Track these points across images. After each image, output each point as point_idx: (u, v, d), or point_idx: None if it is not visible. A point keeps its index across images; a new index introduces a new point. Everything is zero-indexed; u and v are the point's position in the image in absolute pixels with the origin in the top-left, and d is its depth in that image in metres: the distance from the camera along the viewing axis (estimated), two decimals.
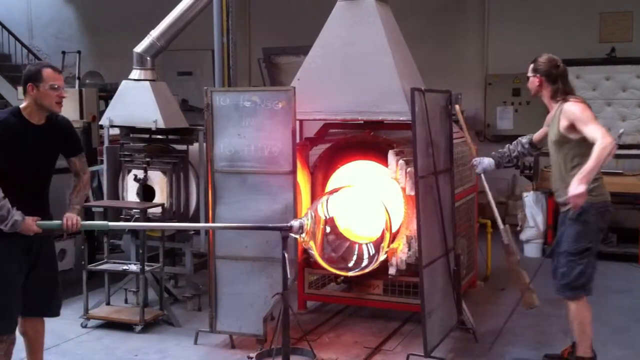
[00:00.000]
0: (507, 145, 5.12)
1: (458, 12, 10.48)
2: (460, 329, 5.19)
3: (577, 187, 4.06)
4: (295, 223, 3.71)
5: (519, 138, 5.05)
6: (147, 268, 5.53)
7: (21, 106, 3.93)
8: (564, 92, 4.41)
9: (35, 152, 3.92)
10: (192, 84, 11.36)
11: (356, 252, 3.82)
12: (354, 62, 5.22)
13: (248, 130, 4.89)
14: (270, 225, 4.42)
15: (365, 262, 3.85)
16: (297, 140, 5.51)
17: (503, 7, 10.14)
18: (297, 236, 3.72)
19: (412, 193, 4.83)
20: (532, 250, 7.96)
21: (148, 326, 5.44)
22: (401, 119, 4.99)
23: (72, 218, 3.93)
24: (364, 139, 5.60)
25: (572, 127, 4.25)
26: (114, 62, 9.50)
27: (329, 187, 5.55)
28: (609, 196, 4.44)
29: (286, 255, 3.60)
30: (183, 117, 6.40)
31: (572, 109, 4.27)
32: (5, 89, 11.88)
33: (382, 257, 3.79)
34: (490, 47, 10.23)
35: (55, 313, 4.19)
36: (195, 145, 6.02)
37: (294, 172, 4.80)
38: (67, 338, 5.24)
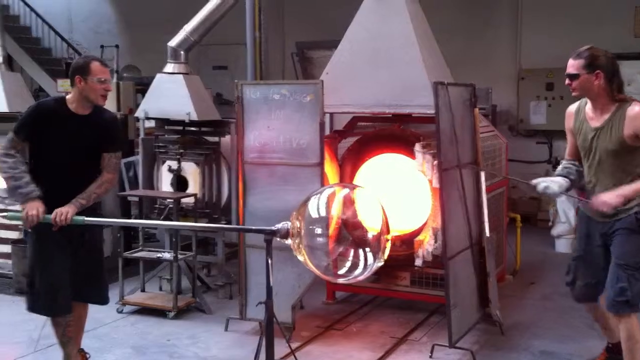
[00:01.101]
0: (562, 171, 4.28)
1: (491, 6, 10.42)
2: (486, 322, 5.23)
3: (613, 198, 3.79)
4: (280, 226, 3.35)
5: (564, 164, 4.32)
6: (180, 256, 5.69)
7: (67, 96, 4.03)
8: (619, 91, 3.89)
9: (75, 141, 3.98)
10: (226, 78, 11.52)
11: (350, 259, 3.28)
12: (382, 56, 5.28)
13: (277, 123, 4.99)
14: (254, 227, 4.20)
15: (358, 271, 3.33)
16: (327, 133, 5.63)
17: (536, 2, 10.06)
18: (284, 240, 3.37)
19: (438, 186, 4.89)
20: (563, 246, 7.92)
21: (181, 313, 5.61)
22: (428, 112, 5.02)
23: (61, 213, 3.80)
24: (392, 131, 5.67)
25: (638, 137, 3.82)
26: (150, 56, 9.68)
27: (356, 179, 5.65)
28: None
29: (270, 261, 3.35)
30: (215, 109, 6.55)
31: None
32: (45, 81, 12.21)
33: (378, 264, 3.34)
34: (524, 41, 10.16)
35: (99, 300, 4.27)
36: (227, 137, 6.16)
37: (321, 164, 4.90)
38: (103, 323, 5.43)
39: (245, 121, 5.11)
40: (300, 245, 3.33)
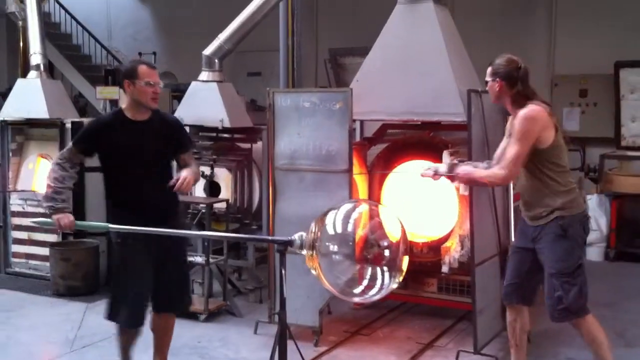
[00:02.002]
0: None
1: (525, 12, 10.38)
2: None
3: (466, 170, 4.06)
4: (297, 237, 3.21)
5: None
6: (212, 260, 5.82)
7: (123, 106, 4.11)
8: (525, 96, 3.98)
9: (140, 147, 4.00)
10: (260, 84, 11.66)
11: (366, 278, 3.14)
12: (412, 64, 5.35)
13: (307, 130, 5.09)
14: (269, 238, 4.22)
15: (374, 291, 3.16)
16: (356, 140, 5.71)
17: (571, 8, 9.99)
18: (300, 252, 3.24)
19: (466, 193, 4.93)
20: (594, 254, 7.87)
21: (212, 315, 5.74)
22: (457, 119, 5.09)
23: (185, 177, 3.94)
24: (421, 139, 5.73)
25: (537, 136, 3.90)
26: (187, 63, 9.87)
27: (386, 186, 5.72)
28: (585, 205, 4.19)
29: (284, 272, 3.24)
30: (248, 116, 6.68)
31: (518, 119, 3.89)
32: (85, 88, 12.51)
33: (394, 284, 3.17)
34: (558, 48, 10.09)
35: (182, 309, 4.36)
36: (259, 143, 6.28)
37: (350, 170, 4.98)
38: None
39: (276, 128, 5.22)
40: (315, 260, 3.19)
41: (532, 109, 3.89)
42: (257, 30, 6.63)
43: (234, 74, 11.03)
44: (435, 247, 5.48)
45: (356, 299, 3.47)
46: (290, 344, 5.16)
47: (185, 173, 4.00)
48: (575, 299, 3.93)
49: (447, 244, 5.34)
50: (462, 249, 5.16)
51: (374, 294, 3.18)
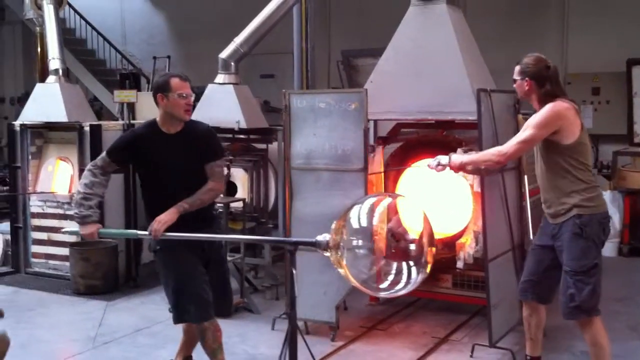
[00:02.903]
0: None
1: (537, 12, 10.44)
2: None
3: (459, 158, 4.20)
4: (322, 239, 3.16)
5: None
6: (229, 258, 5.92)
7: (157, 118, 4.08)
8: (553, 95, 4.01)
9: (175, 161, 4.00)
10: (273, 86, 11.78)
11: (393, 272, 3.07)
12: (425, 65, 5.43)
13: (322, 130, 5.18)
14: (292, 240, 3.74)
15: (401, 285, 3.10)
16: (370, 140, 5.79)
17: (583, 6, 10.04)
18: (324, 253, 3.19)
19: (479, 190, 5.01)
20: (608, 250, 7.88)
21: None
22: (470, 118, 5.16)
23: (159, 221, 3.84)
24: (434, 137, 5.82)
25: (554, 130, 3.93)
26: (201, 66, 10.00)
27: (400, 185, 5.81)
28: (607, 205, 4.15)
29: (294, 271, 3.22)
30: (263, 117, 6.80)
31: (541, 111, 3.94)
32: (100, 91, 12.69)
33: (422, 277, 3.12)
34: (570, 46, 10.14)
35: (225, 313, 4.36)
36: (275, 144, 6.39)
37: (365, 169, 5.07)
38: (156, 321, 5.70)
39: (292, 128, 5.31)
40: (340, 259, 3.15)
41: (560, 103, 3.94)
42: (270, 32, 6.74)
43: (247, 76, 11.09)
44: (450, 244, 5.56)
45: (383, 294, 3.44)
46: (306, 339, 5.29)
47: (161, 217, 3.84)
48: (588, 298, 3.96)
49: (462, 240, 5.41)
50: (476, 244, 5.23)
51: (400, 288, 3.15)
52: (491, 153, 4.14)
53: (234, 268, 6.19)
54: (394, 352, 5.03)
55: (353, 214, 3.14)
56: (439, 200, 5.65)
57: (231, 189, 6.53)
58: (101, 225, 4.04)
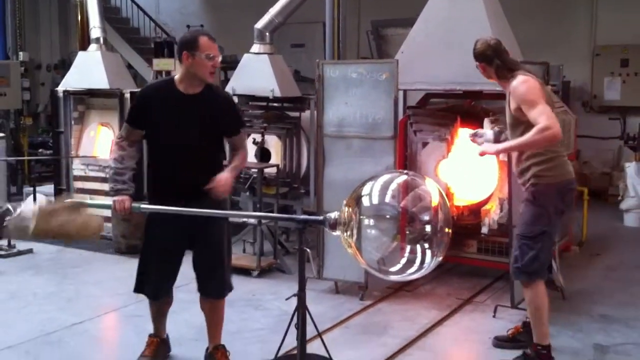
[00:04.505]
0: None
1: None
2: (549, 288, 5.50)
3: (491, 147, 4.22)
4: (332, 215, 2.96)
5: None
6: (263, 222, 6.21)
7: (176, 76, 3.88)
8: (507, 68, 4.13)
9: (187, 123, 3.81)
10: (304, 56, 11.93)
11: (406, 256, 2.86)
12: (455, 36, 5.59)
13: (354, 99, 5.39)
14: (301, 217, 3.58)
15: (413, 268, 2.90)
16: (400, 109, 5.99)
17: None
18: (332, 232, 3.00)
19: (505, 158, 5.20)
20: (631, 220, 8.07)
21: (263, 272, 6.17)
22: (498, 89, 5.31)
23: (220, 179, 3.76)
24: (463, 107, 6.00)
25: (521, 109, 4.00)
26: (233, 35, 10.21)
27: (426, 154, 6.02)
28: (572, 174, 4.19)
29: (308, 251, 3.08)
30: (297, 86, 7.03)
31: (520, 89, 3.99)
32: (134, 59, 12.94)
33: (436, 262, 2.93)
34: (600, 19, 10.15)
35: (215, 294, 4.08)
36: (307, 112, 6.63)
37: (395, 137, 5.29)
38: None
39: (325, 97, 5.53)
40: (349, 238, 2.97)
41: (523, 77, 4.04)
42: None
43: (277, 46, 11.30)
44: (476, 210, 5.79)
45: (394, 278, 3.15)
46: (336, 298, 5.58)
47: (224, 175, 3.80)
48: (529, 263, 4.11)
49: (487, 206, 5.63)
50: (501, 211, 5.45)
51: (413, 272, 2.98)
52: (539, 134, 3.85)
53: (267, 231, 6.49)
54: (420, 311, 5.29)
55: (365, 192, 2.97)
56: (466, 168, 5.86)
57: (265, 155, 6.80)
58: (132, 200, 3.86)
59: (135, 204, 3.79)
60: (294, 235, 7.12)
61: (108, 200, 4.00)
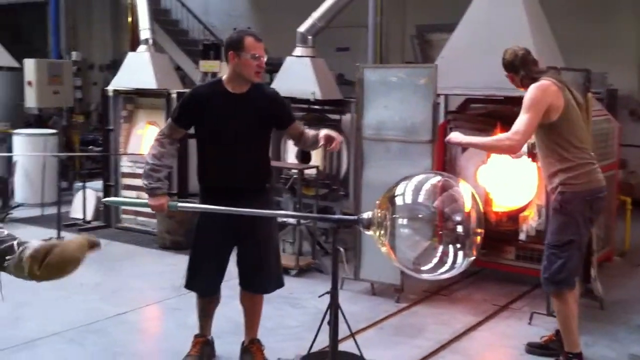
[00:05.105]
0: None
1: None
2: (588, 297, 5.49)
3: (457, 136, 4.29)
4: (365, 216, 3.05)
5: None
6: (302, 222, 6.32)
7: (223, 77, 3.94)
8: (529, 78, 4.19)
9: (235, 121, 3.85)
10: (349, 59, 12.00)
11: (438, 255, 2.93)
12: (495, 41, 5.56)
13: (393, 103, 5.46)
14: (335, 217, 4.00)
15: (445, 268, 2.97)
16: (440, 114, 6.04)
17: None
18: (366, 231, 3.09)
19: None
20: None
21: (301, 271, 6.28)
22: None
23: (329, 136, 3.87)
24: (503, 113, 5.99)
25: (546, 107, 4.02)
26: (279, 38, 10.33)
27: (465, 159, 6.04)
28: (602, 182, 4.16)
29: (341, 250, 3.17)
30: (338, 89, 7.14)
31: (526, 94, 4.08)
32: (183, 61, 13.21)
33: (467, 262, 2.98)
34: None
35: (259, 290, 4.18)
36: (348, 115, 6.72)
37: (432, 141, 5.33)
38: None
39: (365, 101, 5.61)
40: (383, 237, 3.03)
41: (539, 83, 4.10)
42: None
43: (323, 49, 11.39)
44: (514, 216, 5.78)
45: (425, 276, 3.21)
46: (372, 299, 5.64)
47: (332, 132, 3.90)
48: (557, 272, 4.11)
49: (525, 213, 5.63)
50: (539, 218, 5.44)
51: (444, 271, 3.04)
52: (499, 141, 4.09)
53: (306, 231, 6.59)
54: (455, 315, 5.31)
55: (398, 192, 3.03)
56: (505, 174, 5.87)
57: (306, 156, 6.91)
58: (169, 198, 3.95)
59: (172, 203, 3.86)
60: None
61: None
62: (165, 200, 3.87)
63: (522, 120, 3.97)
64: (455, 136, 4.37)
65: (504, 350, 4.79)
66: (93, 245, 2.17)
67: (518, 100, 5.86)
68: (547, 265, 4.17)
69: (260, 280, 4.16)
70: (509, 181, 5.87)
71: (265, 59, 3.88)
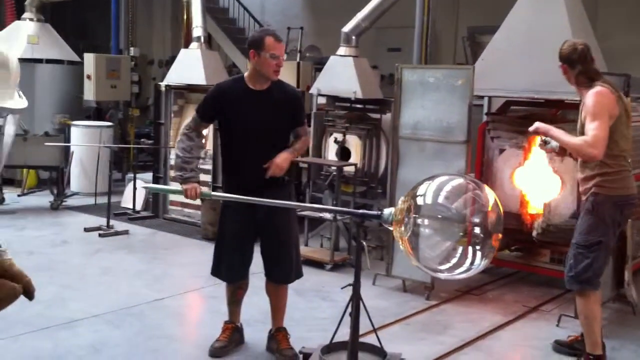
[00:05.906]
0: None
1: None
2: (620, 302, 5.45)
3: (543, 126, 4.24)
4: (387, 212, 3.13)
5: None
6: (339, 218, 6.45)
7: (245, 73, 4.14)
8: (587, 77, 4.18)
9: (255, 117, 4.03)
10: (400, 60, 11.98)
11: (458, 256, 2.97)
12: (536, 44, 5.62)
13: (430, 103, 5.53)
14: (359, 212, 3.79)
15: (462, 269, 3.02)
16: (480, 115, 6.07)
17: None
18: (388, 227, 3.15)
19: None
20: None
21: (336, 266, 6.41)
22: (578, 99, 5.31)
23: (276, 164, 4.01)
24: (544, 116, 5.98)
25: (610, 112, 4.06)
26: (331, 38, 10.47)
27: (500, 161, 6.05)
28: (634, 190, 4.20)
29: (364, 244, 3.24)
30: (379, 89, 7.26)
31: (589, 99, 4.07)
32: (238, 58, 13.49)
33: (484, 264, 3.02)
34: None
35: (279, 279, 4.33)
36: (388, 114, 6.81)
37: (467, 142, 5.38)
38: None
39: (402, 100, 5.70)
40: (403, 235, 3.09)
41: (600, 87, 4.11)
42: (398, 6, 7.09)
43: (374, 49, 11.50)
44: None
45: (442, 276, 3.27)
46: (402, 296, 5.72)
47: (282, 154, 4.04)
48: (583, 271, 4.18)
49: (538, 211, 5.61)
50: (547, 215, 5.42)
51: (461, 272, 3.10)
52: (581, 146, 4.03)
53: (343, 227, 6.72)
54: (484, 315, 5.35)
55: (421, 191, 3.09)
56: (541, 177, 5.85)
57: (345, 154, 7.04)
58: (201, 187, 4.13)
59: (205, 191, 4.05)
60: (371, 233, 7.31)
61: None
62: (198, 188, 4.05)
63: (595, 126, 3.97)
64: (539, 125, 4.34)
65: (527, 350, 4.81)
66: (26, 295, 2.35)
67: (557, 103, 5.92)
68: (574, 264, 4.23)
69: (279, 271, 4.32)
70: (545, 184, 5.84)
71: (284, 58, 4.04)
